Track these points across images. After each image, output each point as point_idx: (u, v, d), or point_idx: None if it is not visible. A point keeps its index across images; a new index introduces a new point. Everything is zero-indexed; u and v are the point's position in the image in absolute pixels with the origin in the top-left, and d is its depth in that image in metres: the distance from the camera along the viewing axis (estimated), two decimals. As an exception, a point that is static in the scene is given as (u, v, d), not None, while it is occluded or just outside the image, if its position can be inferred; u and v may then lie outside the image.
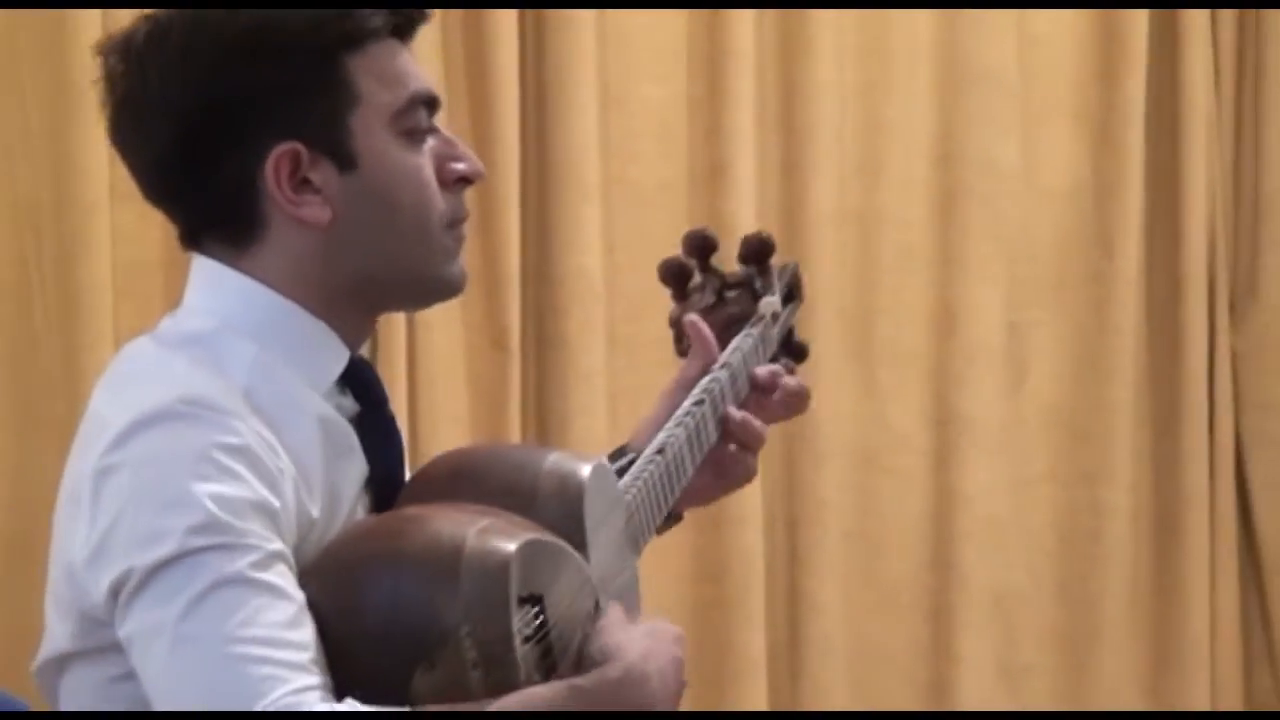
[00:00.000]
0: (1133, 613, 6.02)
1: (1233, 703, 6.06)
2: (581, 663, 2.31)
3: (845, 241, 5.79)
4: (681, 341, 2.76)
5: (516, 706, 2.22)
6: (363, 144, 2.38)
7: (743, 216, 5.41)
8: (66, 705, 2.36)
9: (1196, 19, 5.99)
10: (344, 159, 2.37)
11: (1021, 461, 5.95)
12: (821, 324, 5.69)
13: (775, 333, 2.78)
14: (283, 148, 2.35)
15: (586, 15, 5.54)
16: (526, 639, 2.26)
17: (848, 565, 5.81)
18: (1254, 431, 6.12)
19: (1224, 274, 6.09)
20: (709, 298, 2.76)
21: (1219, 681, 6.05)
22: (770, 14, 5.75)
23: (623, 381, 5.38)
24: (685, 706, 5.63)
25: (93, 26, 4.75)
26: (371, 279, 2.42)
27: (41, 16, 5.02)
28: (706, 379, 2.67)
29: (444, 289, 2.48)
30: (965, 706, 5.85)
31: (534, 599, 2.28)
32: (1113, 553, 6.00)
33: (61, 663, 2.36)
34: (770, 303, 2.73)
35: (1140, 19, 5.97)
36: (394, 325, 5.38)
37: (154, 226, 4.32)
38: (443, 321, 5.46)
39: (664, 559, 5.49)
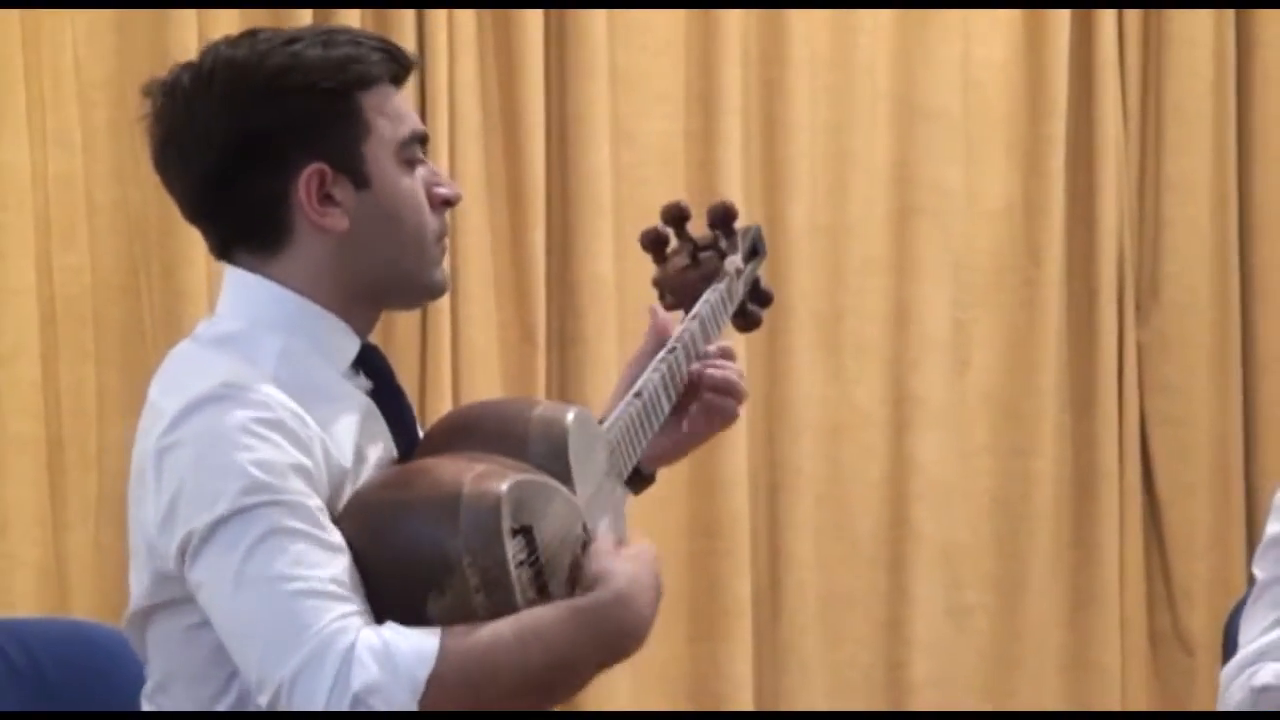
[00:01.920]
0: (1055, 563, 6.02)
1: (1138, 639, 6.06)
2: (577, 584, 2.29)
3: (816, 252, 5.81)
4: (664, 298, 2.73)
5: (525, 620, 2.23)
6: (373, 168, 2.39)
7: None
8: (154, 653, 2.36)
9: (1109, 68, 5.99)
10: (360, 178, 2.39)
11: (964, 436, 5.96)
12: (797, 320, 5.75)
13: (740, 285, 2.74)
14: (313, 167, 2.37)
15: (601, 62, 5.54)
16: (520, 564, 2.24)
17: (819, 523, 5.83)
18: (1156, 412, 6.12)
19: (1131, 279, 6.09)
20: (684, 259, 2.73)
21: (1127, 621, 6.05)
22: (754, 62, 5.78)
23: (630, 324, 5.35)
24: (684, 643, 5.67)
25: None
26: (376, 280, 2.43)
27: (148, 47, 5.06)
28: (679, 328, 2.64)
29: (432, 290, 2.49)
30: (918, 642, 5.87)
31: (525, 530, 2.26)
32: (1039, 513, 6.00)
33: (145, 616, 2.36)
34: (733, 260, 2.70)
35: (1062, 67, 5.98)
36: (440, 324, 5.41)
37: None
38: (481, 321, 5.50)
39: (665, 517, 5.51)
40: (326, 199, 2.38)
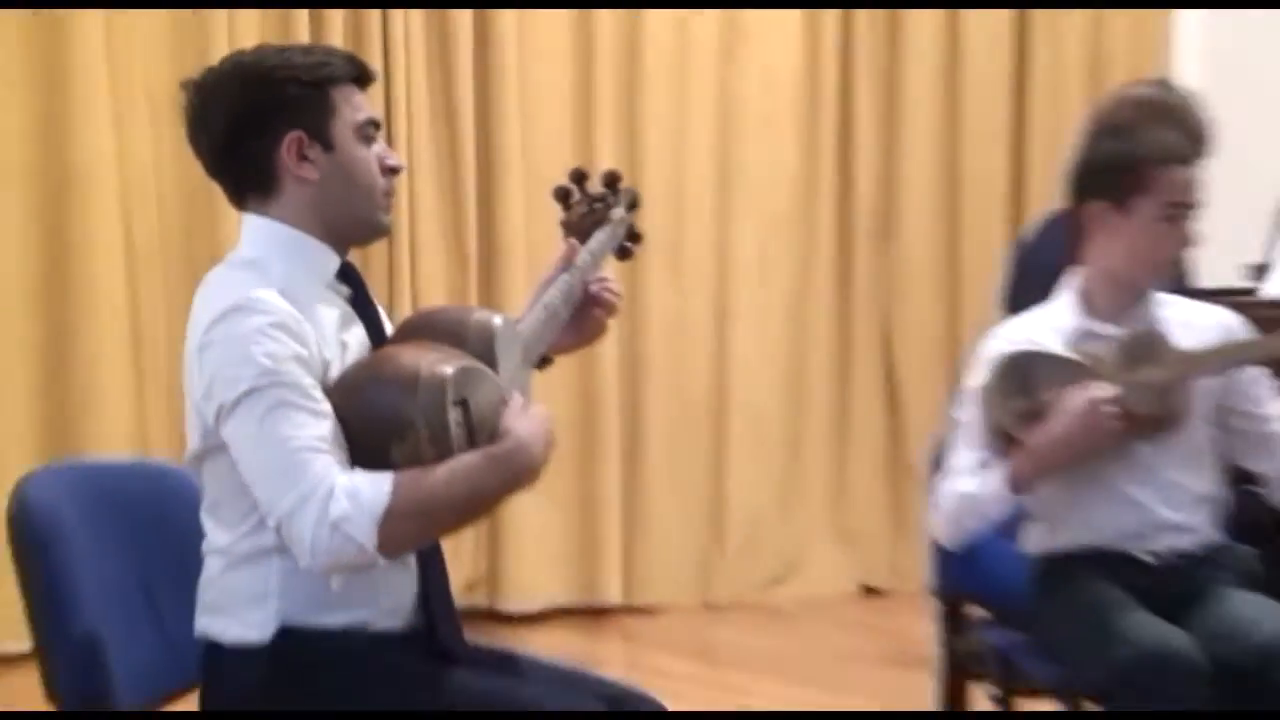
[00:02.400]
0: (827, 419, 6.04)
1: (878, 463, 6.08)
2: (494, 437, 2.26)
3: (665, 203, 5.78)
4: (568, 237, 2.70)
5: (454, 465, 2.22)
6: (338, 139, 2.37)
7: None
8: (207, 482, 2.35)
9: (862, 66, 5.97)
10: (327, 145, 2.35)
11: (765, 332, 5.97)
12: (650, 251, 5.71)
13: (621, 229, 2.72)
14: (293, 134, 2.33)
15: (512, 66, 5.54)
16: (459, 424, 2.22)
17: (665, 391, 5.85)
18: (893, 313, 6.12)
19: (878, 219, 6.08)
20: (583, 208, 2.68)
21: (874, 454, 6.08)
22: (621, 64, 5.73)
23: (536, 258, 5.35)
24: (573, 475, 5.66)
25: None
26: (341, 216, 2.37)
27: (194, 53, 4.97)
28: (577, 259, 2.60)
29: (379, 229, 2.42)
30: (734, 474, 5.90)
31: (462, 401, 2.23)
32: (817, 384, 6.03)
33: (199, 458, 2.34)
34: (617, 211, 2.67)
35: (833, 67, 5.96)
36: (402, 255, 5.41)
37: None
38: (431, 251, 5.51)
39: (560, 389, 5.53)
40: (303, 158, 2.34)
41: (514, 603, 5.60)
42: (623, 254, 2.74)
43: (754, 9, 5.84)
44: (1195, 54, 6.22)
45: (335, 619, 2.31)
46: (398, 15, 5.40)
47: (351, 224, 2.39)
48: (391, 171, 2.42)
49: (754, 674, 4.92)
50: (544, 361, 2.59)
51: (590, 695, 2.38)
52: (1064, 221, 2.97)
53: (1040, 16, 6.14)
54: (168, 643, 2.49)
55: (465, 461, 2.22)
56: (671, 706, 2.42)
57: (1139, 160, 2.84)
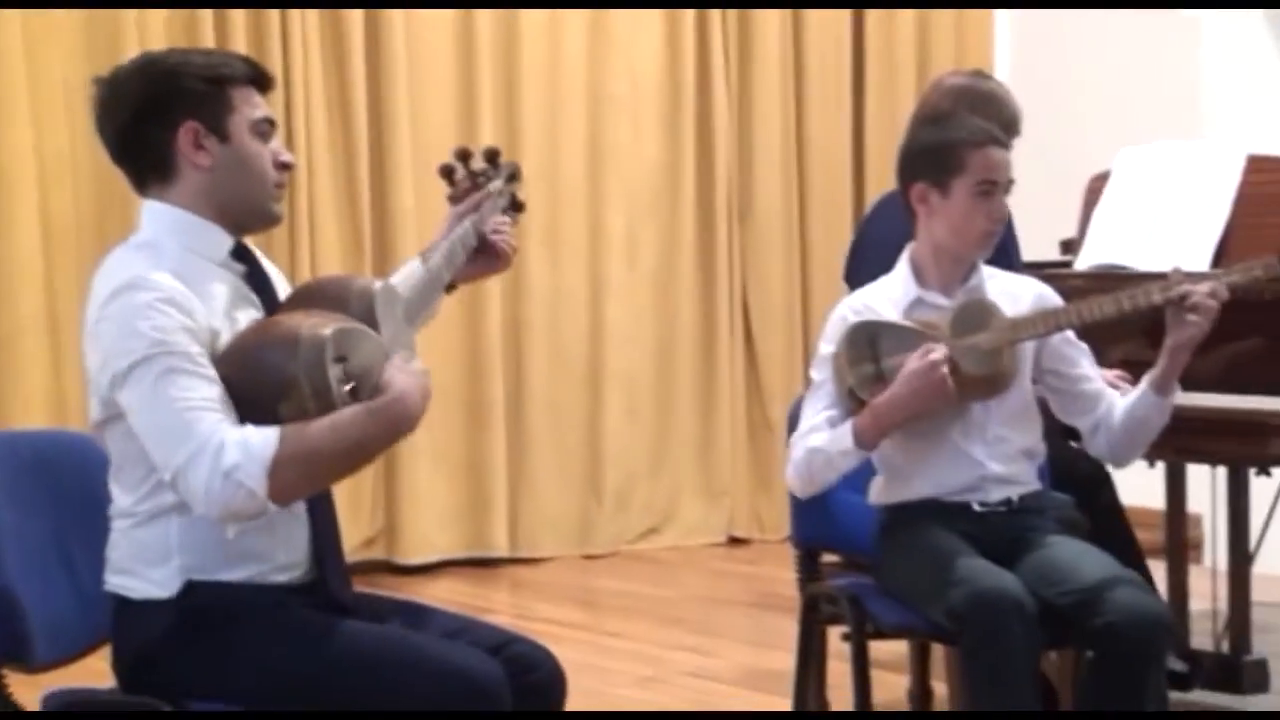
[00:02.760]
0: (692, 382, 6.07)
1: (741, 425, 6.12)
2: (374, 394, 2.25)
3: (542, 185, 5.76)
4: (454, 207, 2.68)
5: (337, 416, 2.21)
6: (234, 131, 2.35)
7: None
8: (111, 449, 2.33)
9: (718, 55, 6.00)
10: (223, 136, 2.33)
11: (635, 304, 5.98)
12: (531, 229, 5.74)
13: (503, 200, 2.68)
14: (190, 124, 2.32)
15: (401, 63, 5.48)
16: (340, 381, 2.22)
17: (546, 357, 5.86)
18: (751, 283, 6.16)
19: (735, 200, 6.13)
20: (467, 182, 2.67)
21: (734, 414, 6.11)
22: (500, 62, 5.72)
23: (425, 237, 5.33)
24: (460, 433, 5.66)
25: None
26: (234, 202, 2.35)
27: (106, 53, 4.84)
28: (460, 228, 2.57)
29: (269, 218, 2.40)
30: (608, 434, 5.90)
31: (342, 359, 2.22)
32: (682, 351, 6.06)
33: (100, 425, 2.32)
34: (497, 184, 2.66)
35: (690, 62, 5.97)
36: (303, 240, 5.36)
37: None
38: (328, 234, 5.46)
39: (448, 352, 5.51)
40: (199, 147, 2.32)
41: (409, 556, 5.58)
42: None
43: (618, 8, 5.85)
44: (1012, 46, 6.32)
45: (236, 573, 2.30)
46: (295, 16, 5.35)
47: (243, 211, 2.37)
48: (284, 167, 2.40)
49: (630, 619, 4.95)
50: (450, 287, 2.59)
51: (480, 642, 2.37)
52: (898, 201, 3.01)
53: (875, 13, 6.22)
54: (83, 600, 2.47)
55: (347, 413, 2.21)
56: (555, 651, 2.42)
57: (954, 144, 2.90)
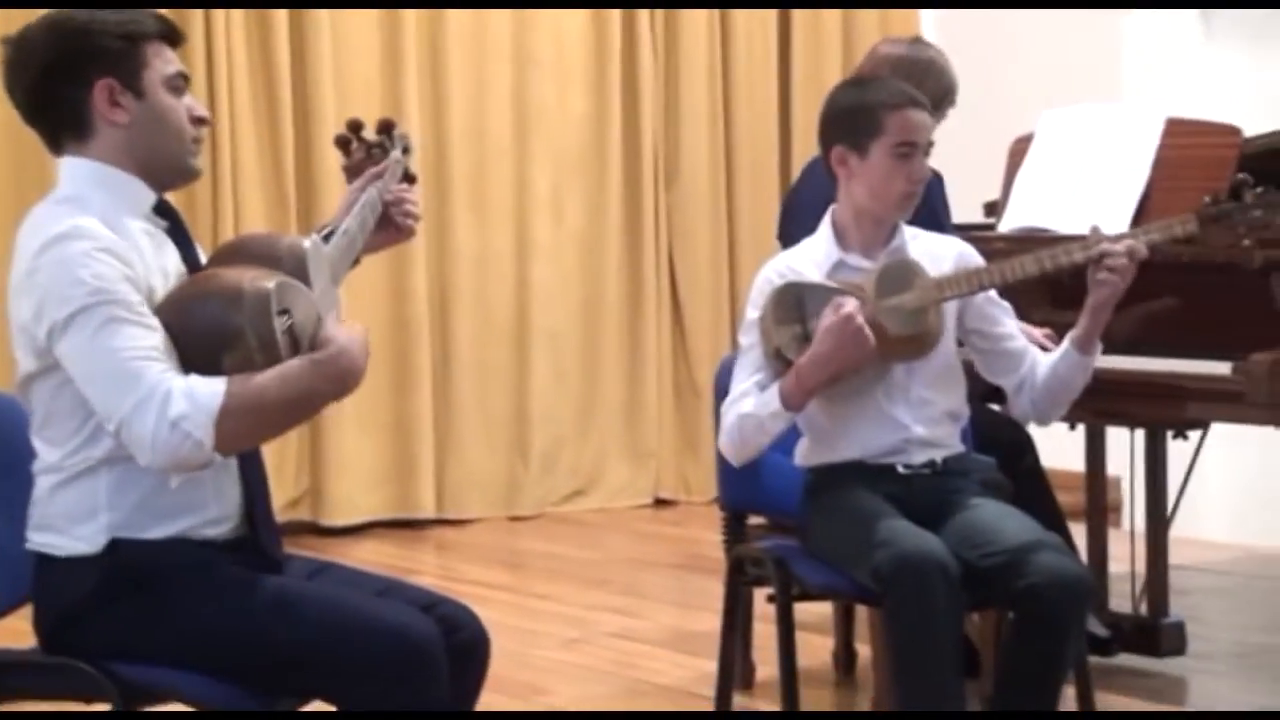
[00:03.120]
0: (619, 342, 6.07)
1: (667, 388, 6.13)
2: (315, 346, 2.26)
3: (468, 148, 5.81)
4: (350, 179, 2.67)
5: (283, 368, 2.21)
6: (148, 87, 2.33)
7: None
8: (36, 404, 2.31)
9: (644, 23, 6.01)
10: (138, 92, 2.33)
11: (562, 263, 5.99)
12: (456, 191, 5.75)
13: (399, 169, 2.69)
14: (105, 80, 2.30)
15: (326, 56, 5.42)
16: (284, 332, 2.22)
17: (472, 320, 5.86)
18: (677, 245, 6.18)
19: (662, 163, 6.13)
20: (361, 153, 2.67)
21: (660, 377, 6.12)
22: (426, 43, 5.65)
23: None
24: (388, 395, 5.63)
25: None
26: (153, 157, 2.33)
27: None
28: (364, 195, 2.55)
29: (188, 172, 2.39)
30: (535, 394, 5.89)
31: (285, 311, 2.23)
32: (609, 311, 6.06)
33: (29, 380, 2.30)
34: (394, 155, 2.66)
35: (615, 32, 5.97)
36: (225, 198, 5.32)
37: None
38: (252, 195, 5.40)
39: (375, 316, 5.49)
40: (115, 104, 2.30)
41: (335, 517, 5.57)
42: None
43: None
44: (937, 10, 6.34)
45: (163, 530, 2.29)
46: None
47: (162, 166, 2.36)
48: (200, 121, 2.39)
49: (556, 581, 4.95)
50: (354, 263, 2.57)
51: (406, 602, 2.37)
52: (823, 165, 3.02)
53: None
54: (3, 562, 2.42)
55: (293, 365, 2.22)
56: (480, 612, 2.43)
57: (871, 106, 2.91)
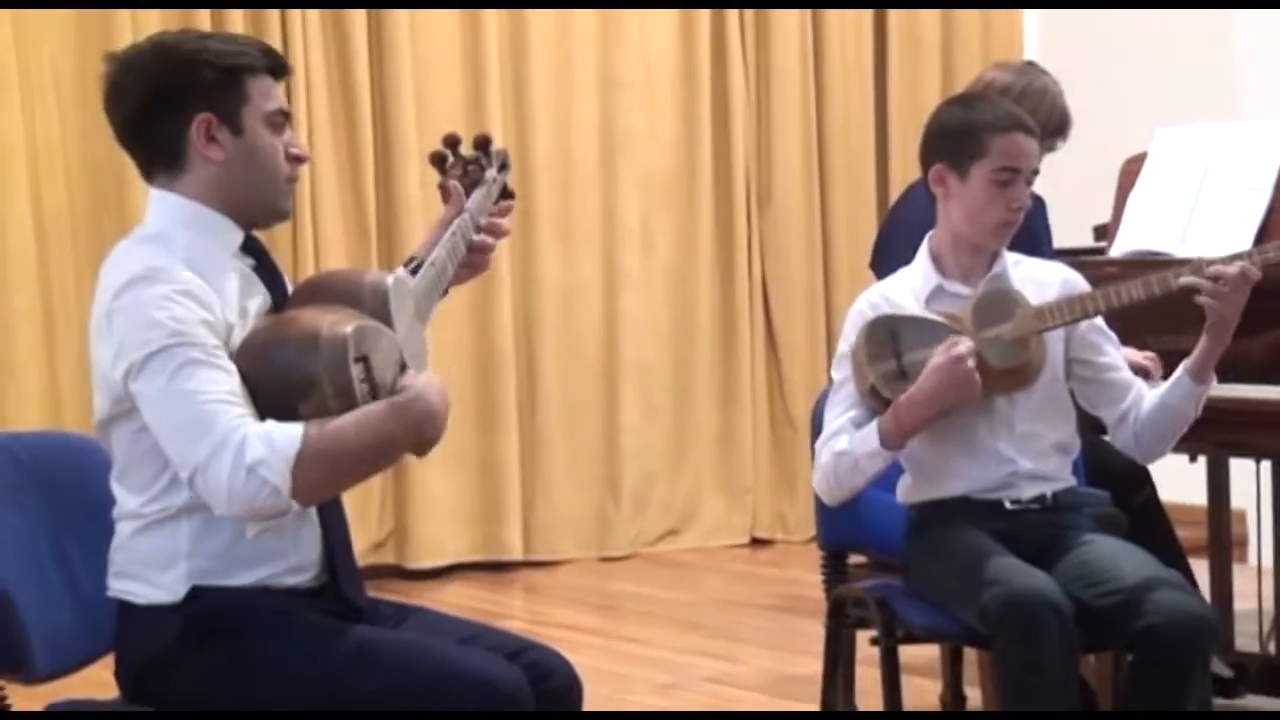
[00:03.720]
0: (711, 375, 6.06)
1: (763, 421, 6.12)
2: (394, 394, 2.26)
3: (553, 174, 5.83)
4: (445, 197, 2.69)
5: (360, 414, 2.22)
6: (247, 124, 2.36)
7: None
8: (115, 448, 2.33)
9: (735, 44, 6.00)
10: (236, 129, 2.34)
11: (652, 294, 5.99)
12: (541, 219, 5.78)
13: (495, 187, 2.70)
14: (203, 115, 2.33)
15: (405, 53, 5.49)
16: (361, 380, 2.23)
17: (559, 353, 5.86)
18: (771, 273, 6.16)
19: (754, 188, 6.12)
20: (458, 170, 2.68)
21: (756, 411, 6.11)
22: (506, 52, 5.73)
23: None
24: (473, 435, 5.63)
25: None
26: (245, 198, 2.36)
27: (99, 43, 4.91)
28: (457, 219, 2.58)
29: (279, 213, 2.42)
30: (626, 429, 5.90)
31: (363, 358, 2.24)
32: (700, 342, 6.05)
33: (107, 424, 2.33)
34: (490, 172, 2.67)
35: (705, 47, 5.98)
36: (306, 233, 5.37)
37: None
38: (332, 229, 5.46)
39: (459, 353, 5.53)
40: (211, 139, 2.33)
41: (420, 560, 5.59)
42: (500, 211, 2.73)
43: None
44: (1041, 25, 6.30)
45: (244, 578, 2.31)
46: (296, 14, 5.36)
47: (253, 206, 2.38)
48: (296, 160, 2.41)
49: (649, 624, 4.95)
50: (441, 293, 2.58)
51: (495, 649, 2.37)
52: (924, 187, 3.01)
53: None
54: (83, 608, 2.47)
55: (371, 410, 2.23)
56: (571, 657, 2.43)
57: (975, 126, 2.89)
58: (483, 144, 2.70)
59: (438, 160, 2.68)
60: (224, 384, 2.22)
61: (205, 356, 2.23)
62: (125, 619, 2.35)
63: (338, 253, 5.43)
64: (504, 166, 2.71)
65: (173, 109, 2.33)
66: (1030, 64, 3.98)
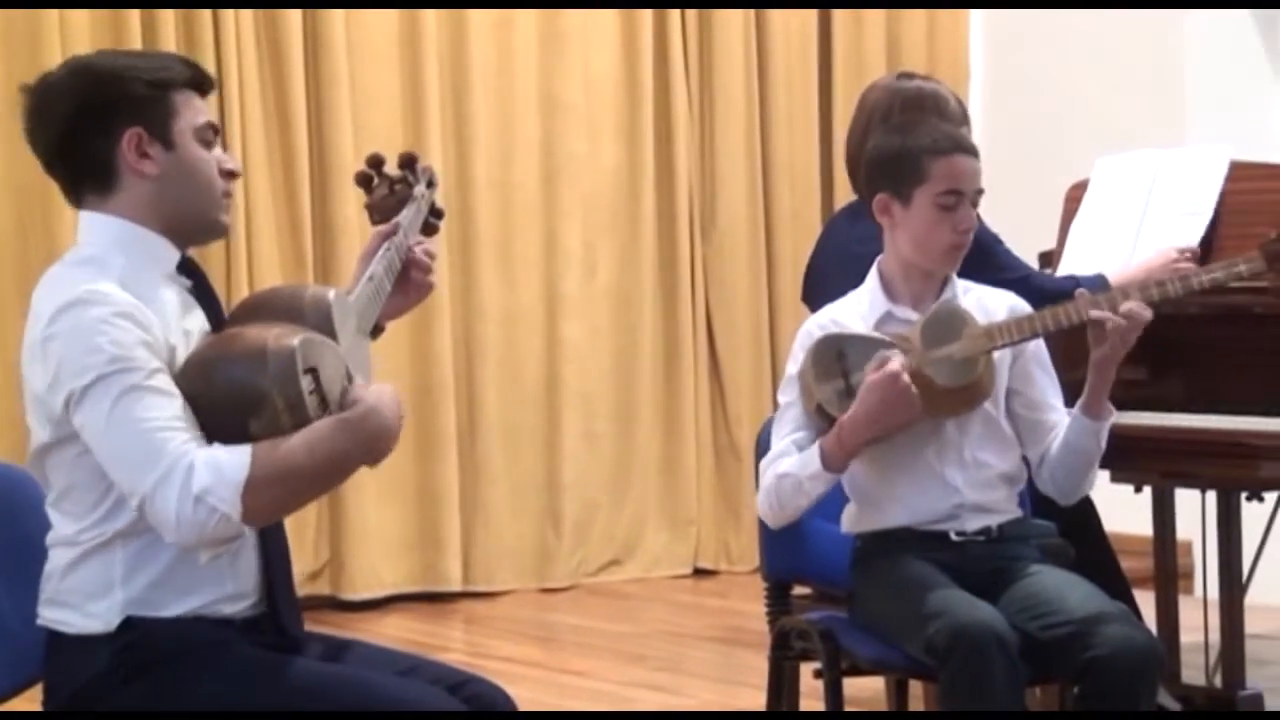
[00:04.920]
0: (654, 403, 6.09)
1: (706, 451, 6.14)
2: (344, 407, 2.25)
3: (493, 199, 5.85)
4: (373, 217, 2.68)
5: (309, 432, 2.21)
6: (178, 139, 2.34)
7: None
8: (54, 475, 2.31)
9: (678, 63, 6.02)
10: (168, 144, 2.33)
11: (593, 320, 6.00)
12: (481, 244, 5.78)
13: (425, 205, 2.70)
14: (133, 130, 2.31)
15: (342, 72, 5.48)
16: (311, 392, 2.22)
17: (499, 380, 5.87)
18: (714, 299, 6.19)
19: (697, 212, 6.16)
20: (384, 189, 2.67)
21: (699, 439, 6.14)
22: (446, 69, 5.72)
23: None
24: (412, 462, 5.60)
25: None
26: (180, 214, 2.36)
27: (27, 63, 4.87)
28: (393, 237, 2.55)
29: (217, 228, 2.40)
30: (567, 456, 5.90)
31: (312, 370, 2.22)
32: (643, 370, 6.08)
33: (45, 451, 2.30)
34: (419, 188, 2.67)
35: (648, 69, 6.01)
36: (240, 253, 5.36)
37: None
38: (268, 252, 5.44)
39: (397, 380, 5.47)
40: (143, 155, 2.31)
41: (357, 591, 5.57)
42: (428, 230, 2.73)
43: (572, 8, 5.87)
44: (986, 49, 6.37)
45: (181, 606, 2.29)
46: (229, 16, 5.34)
47: (190, 222, 2.37)
48: (230, 175, 2.40)
49: (591, 656, 4.95)
50: (376, 330, 2.57)
51: (435, 682, 2.37)
52: (861, 210, 3.01)
53: (842, 14, 6.27)
54: (6, 642, 2.44)
55: (320, 428, 2.21)
56: (512, 690, 2.42)
57: (914, 151, 2.90)
58: (408, 162, 2.70)
59: (364, 180, 2.68)
60: (168, 409, 2.21)
61: (147, 381, 2.21)
62: (55, 649, 2.33)
63: (273, 278, 5.40)
64: (431, 183, 2.71)
65: (101, 126, 2.31)
66: (904, 73, 3.92)
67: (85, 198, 2.35)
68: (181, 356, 2.28)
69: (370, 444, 2.25)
